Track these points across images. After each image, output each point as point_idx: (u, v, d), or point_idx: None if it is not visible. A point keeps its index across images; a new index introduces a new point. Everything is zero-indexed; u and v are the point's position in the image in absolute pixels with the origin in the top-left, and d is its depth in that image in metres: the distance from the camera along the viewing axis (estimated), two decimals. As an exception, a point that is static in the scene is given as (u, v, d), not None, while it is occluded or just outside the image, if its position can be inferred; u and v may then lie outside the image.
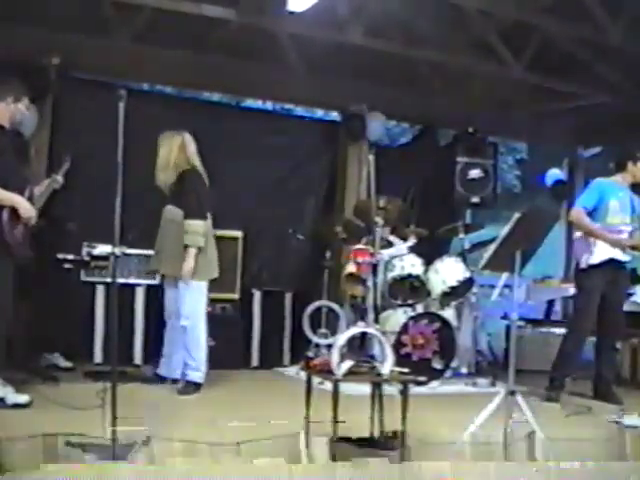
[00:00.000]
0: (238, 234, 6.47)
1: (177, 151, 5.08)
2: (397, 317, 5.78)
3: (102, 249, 5.70)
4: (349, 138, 7.52)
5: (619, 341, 6.58)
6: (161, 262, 5.08)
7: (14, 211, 4.11)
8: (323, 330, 6.26)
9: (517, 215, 3.91)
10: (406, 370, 3.58)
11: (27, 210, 4.17)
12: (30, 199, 4.28)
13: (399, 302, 5.94)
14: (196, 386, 4.92)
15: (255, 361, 6.45)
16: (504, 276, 4.88)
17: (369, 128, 7.34)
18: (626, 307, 6.52)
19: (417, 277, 5.90)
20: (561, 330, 6.89)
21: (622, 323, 5.45)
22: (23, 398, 4.12)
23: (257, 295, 6.57)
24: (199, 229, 4.90)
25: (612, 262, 5.14)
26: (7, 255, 4.10)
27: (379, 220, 5.70)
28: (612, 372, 5.43)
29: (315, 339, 6.20)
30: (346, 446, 3.45)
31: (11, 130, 4.34)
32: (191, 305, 4.97)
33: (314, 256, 6.89)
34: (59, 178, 4.76)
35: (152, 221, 6.20)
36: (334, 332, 6.09)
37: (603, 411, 4.65)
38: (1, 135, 4.25)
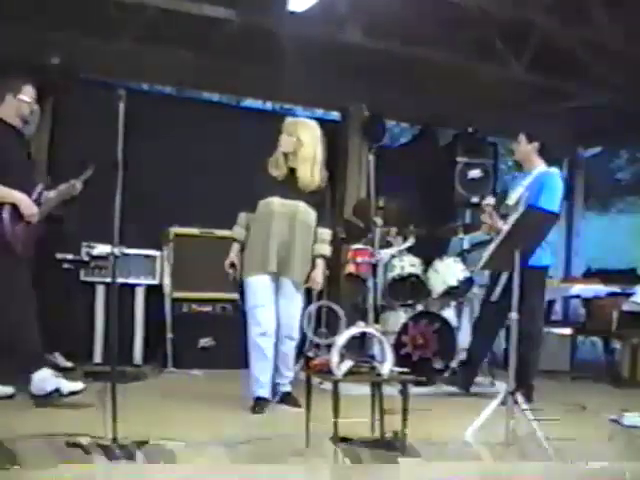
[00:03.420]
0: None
1: (322, 147, 4.58)
2: (397, 317, 5.78)
3: (101, 249, 5.70)
4: (369, 142, 7.50)
5: (619, 341, 6.59)
6: (290, 267, 4.46)
7: (16, 209, 4.08)
8: (323, 330, 6.26)
9: (516, 215, 3.90)
10: (406, 370, 3.57)
11: (28, 208, 4.12)
12: (38, 200, 4.22)
13: (399, 302, 5.94)
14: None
15: (255, 361, 6.44)
16: (504, 276, 4.87)
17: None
18: (626, 307, 6.55)
19: (417, 277, 5.90)
20: (561, 330, 6.92)
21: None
22: (78, 386, 4.12)
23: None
24: (330, 239, 4.64)
25: None
26: (8, 253, 4.07)
27: (378, 220, 5.70)
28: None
29: (315, 339, 6.21)
30: (346, 446, 3.45)
31: (17, 128, 4.28)
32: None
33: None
34: (78, 185, 4.47)
35: (152, 220, 6.23)
36: (334, 332, 6.09)
37: (603, 411, 4.64)
38: (8, 133, 4.20)
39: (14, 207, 4.08)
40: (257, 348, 4.48)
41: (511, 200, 5.04)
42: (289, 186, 4.51)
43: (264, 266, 4.44)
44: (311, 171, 4.51)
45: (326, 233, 4.62)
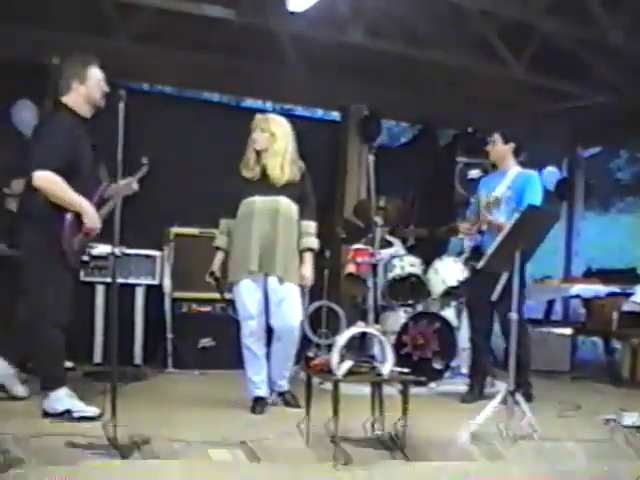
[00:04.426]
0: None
1: (294, 143, 4.55)
2: (397, 317, 5.79)
3: (101, 249, 5.70)
4: (364, 141, 7.51)
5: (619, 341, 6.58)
6: (275, 264, 4.41)
7: (78, 218, 3.81)
8: (323, 330, 6.26)
9: (517, 215, 3.90)
10: (406, 370, 3.58)
11: (92, 220, 3.82)
12: (100, 202, 3.98)
13: (399, 302, 5.94)
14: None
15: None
16: (504, 276, 4.87)
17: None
18: (626, 307, 6.55)
19: (417, 277, 5.90)
20: (561, 330, 6.91)
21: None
22: (92, 410, 3.83)
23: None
24: (315, 231, 4.61)
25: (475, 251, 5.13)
26: (60, 263, 3.82)
27: (378, 220, 5.70)
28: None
29: (315, 339, 6.21)
30: (346, 446, 3.45)
31: (86, 118, 3.98)
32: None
33: (314, 256, 6.89)
34: (135, 184, 4.17)
35: (152, 220, 6.22)
36: (334, 332, 6.10)
37: (602, 411, 4.64)
38: (78, 126, 3.92)
39: (77, 215, 3.81)
40: (247, 350, 4.49)
41: (492, 198, 5.07)
42: (266, 184, 4.47)
43: (246, 267, 4.40)
44: (281, 165, 4.47)
45: (310, 226, 4.59)
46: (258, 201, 4.45)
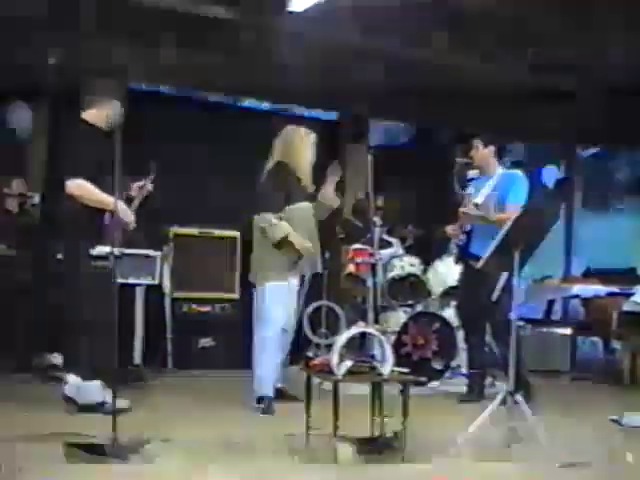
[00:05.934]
0: (237, 234, 6.47)
1: None
2: (397, 317, 5.79)
3: (101, 249, 5.69)
4: (352, 140, 7.53)
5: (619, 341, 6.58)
6: (315, 262, 4.81)
7: (114, 216, 3.88)
8: (323, 330, 6.26)
9: (516, 214, 3.90)
10: (406, 370, 3.58)
11: (127, 215, 4.12)
12: (127, 201, 4.24)
13: (399, 302, 5.95)
14: None
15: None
16: (504, 276, 4.88)
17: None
18: (626, 307, 6.55)
19: (417, 277, 5.91)
20: (561, 330, 6.92)
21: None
22: (124, 403, 3.88)
23: (257, 295, 6.56)
24: None
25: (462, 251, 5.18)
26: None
27: (377, 220, 5.70)
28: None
29: (315, 339, 6.20)
30: (346, 446, 3.45)
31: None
32: None
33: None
34: (149, 185, 4.50)
35: (152, 220, 6.22)
36: (334, 332, 6.09)
37: (603, 411, 4.65)
38: (100, 136, 4.14)
39: (112, 214, 3.91)
40: (273, 346, 4.54)
41: (479, 199, 5.11)
42: (304, 190, 4.71)
43: (297, 269, 4.60)
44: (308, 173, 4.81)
45: None
46: (310, 207, 4.70)
